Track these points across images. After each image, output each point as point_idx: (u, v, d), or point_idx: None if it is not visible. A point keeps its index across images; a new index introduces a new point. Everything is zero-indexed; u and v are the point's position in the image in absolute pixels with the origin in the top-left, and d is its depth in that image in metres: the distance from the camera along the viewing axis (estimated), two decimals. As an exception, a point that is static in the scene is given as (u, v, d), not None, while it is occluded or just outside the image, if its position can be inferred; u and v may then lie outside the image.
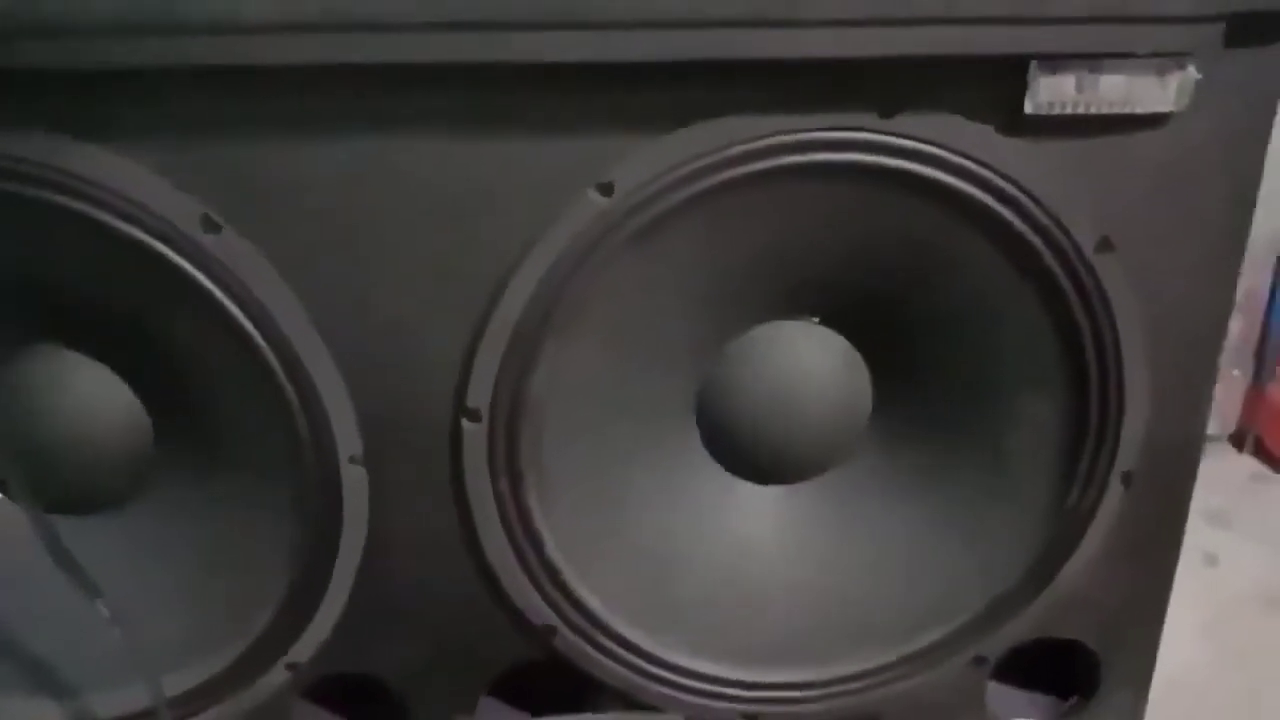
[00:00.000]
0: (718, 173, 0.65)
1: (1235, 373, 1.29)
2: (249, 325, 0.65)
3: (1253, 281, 1.24)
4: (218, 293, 0.64)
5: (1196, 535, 1.16)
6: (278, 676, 0.75)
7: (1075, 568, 0.76)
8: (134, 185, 0.62)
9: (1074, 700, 0.84)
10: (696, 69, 0.61)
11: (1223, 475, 1.29)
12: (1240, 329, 1.26)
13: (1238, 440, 1.33)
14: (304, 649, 0.74)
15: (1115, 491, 0.74)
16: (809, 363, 0.76)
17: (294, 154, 0.63)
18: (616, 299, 0.68)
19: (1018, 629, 0.78)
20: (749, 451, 0.77)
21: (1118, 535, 0.76)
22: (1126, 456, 0.73)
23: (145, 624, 0.71)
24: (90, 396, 0.71)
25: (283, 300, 0.66)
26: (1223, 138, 0.67)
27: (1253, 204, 0.69)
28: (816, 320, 0.75)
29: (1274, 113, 0.67)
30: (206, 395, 0.70)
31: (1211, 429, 1.29)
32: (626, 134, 0.64)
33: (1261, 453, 1.32)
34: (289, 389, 0.67)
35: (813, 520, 0.78)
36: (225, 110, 0.62)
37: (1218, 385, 1.26)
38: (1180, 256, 0.69)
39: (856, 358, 0.77)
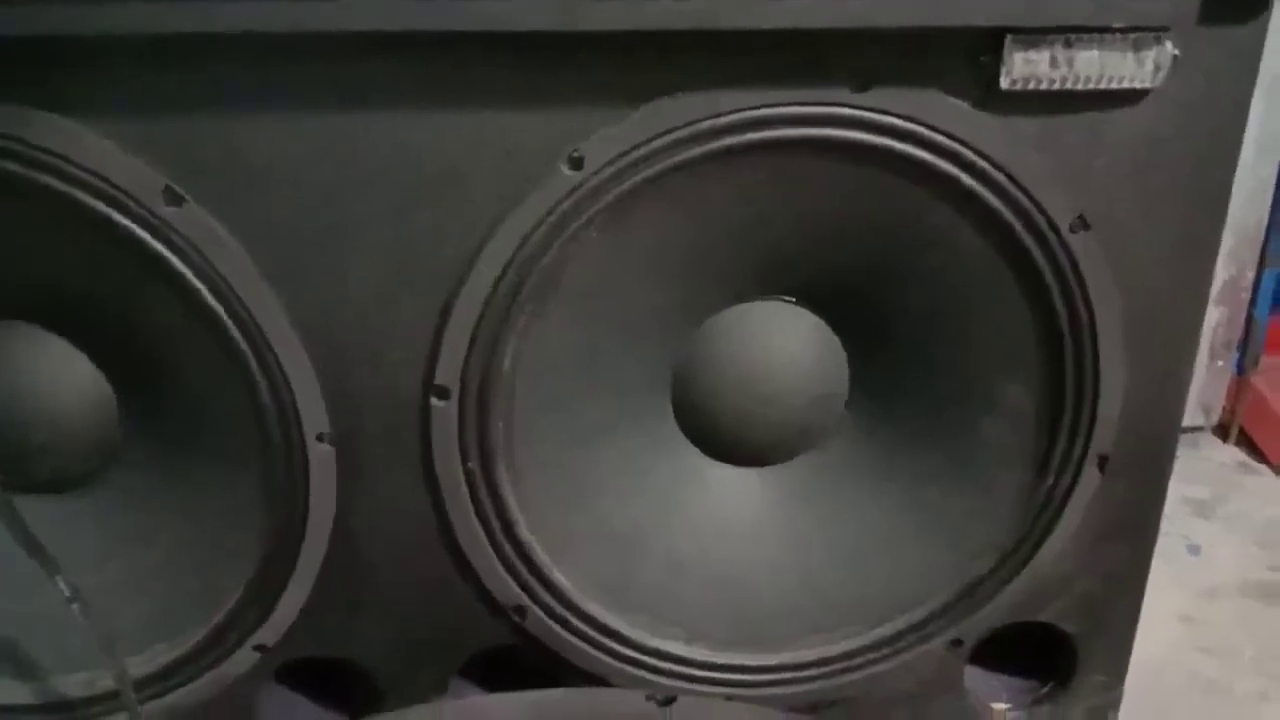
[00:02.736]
0: (690, 147, 0.64)
1: (1219, 364, 1.29)
2: (213, 301, 0.64)
3: (1236, 272, 1.24)
4: (181, 267, 0.64)
5: (1180, 524, 1.17)
6: (246, 658, 0.74)
7: (1052, 551, 0.76)
8: (94, 156, 0.61)
9: (1051, 684, 0.84)
10: (666, 41, 0.60)
11: (1207, 465, 1.29)
12: (1224, 320, 1.26)
13: (1222, 431, 1.33)
14: (272, 630, 0.73)
15: (1091, 475, 0.74)
16: (785, 344, 0.75)
17: (259, 126, 0.62)
18: (588, 275, 0.67)
19: (994, 613, 0.78)
20: (724, 432, 0.76)
21: (1094, 519, 0.75)
22: (1102, 440, 0.73)
23: (111, 604, 0.70)
24: (53, 372, 0.70)
25: (247, 276, 0.65)
26: (1200, 115, 0.66)
27: (1230, 182, 0.68)
28: (793, 301, 0.75)
29: (1251, 91, 0.66)
30: (171, 372, 0.69)
31: (1196, 420, 1.30)
32: (597, 108, 0.63)
33: (1245, 443, 1.32)
34: (254, 366, 0.66)
35: (787, 503, 0.78)
36: (189, 81, 0.61)
37: (1202, 376, 1.28)
38: (1157, 235, 0.69)
39: (833, 339, 0.76)
